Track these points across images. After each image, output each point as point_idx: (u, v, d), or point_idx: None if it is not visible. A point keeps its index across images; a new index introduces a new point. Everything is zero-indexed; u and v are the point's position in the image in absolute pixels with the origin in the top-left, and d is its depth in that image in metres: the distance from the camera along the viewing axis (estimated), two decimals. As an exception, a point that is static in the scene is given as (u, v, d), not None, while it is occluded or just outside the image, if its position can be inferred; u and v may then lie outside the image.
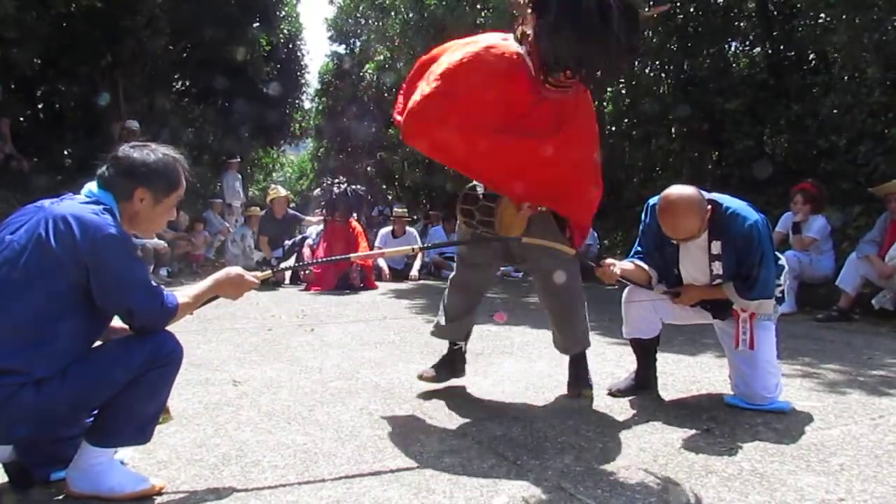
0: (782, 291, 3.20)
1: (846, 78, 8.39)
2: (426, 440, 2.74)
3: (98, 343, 2.18)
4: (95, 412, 2.13)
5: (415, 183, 16.46)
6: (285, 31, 16.63)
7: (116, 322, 2.23)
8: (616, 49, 2.61)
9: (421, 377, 3.48)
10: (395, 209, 10.89)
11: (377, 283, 8.86)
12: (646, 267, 3.20)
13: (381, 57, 15.11)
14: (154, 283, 2.15)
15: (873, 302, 5.79)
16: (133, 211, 2.19)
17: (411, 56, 12.97)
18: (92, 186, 2.17)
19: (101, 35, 11.18)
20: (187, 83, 15.72)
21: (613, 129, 11.73)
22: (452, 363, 3.55)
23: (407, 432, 2.84)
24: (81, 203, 2.09)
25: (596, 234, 9.42)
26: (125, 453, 2.41)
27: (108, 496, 2.12)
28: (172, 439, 2.73)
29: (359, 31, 19.42)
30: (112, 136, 10.61)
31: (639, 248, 3.28)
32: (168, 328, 2.18)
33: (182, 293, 2.26)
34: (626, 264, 3.17)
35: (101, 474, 2.12)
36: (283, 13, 16.49)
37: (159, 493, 2.21)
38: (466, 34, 3.14)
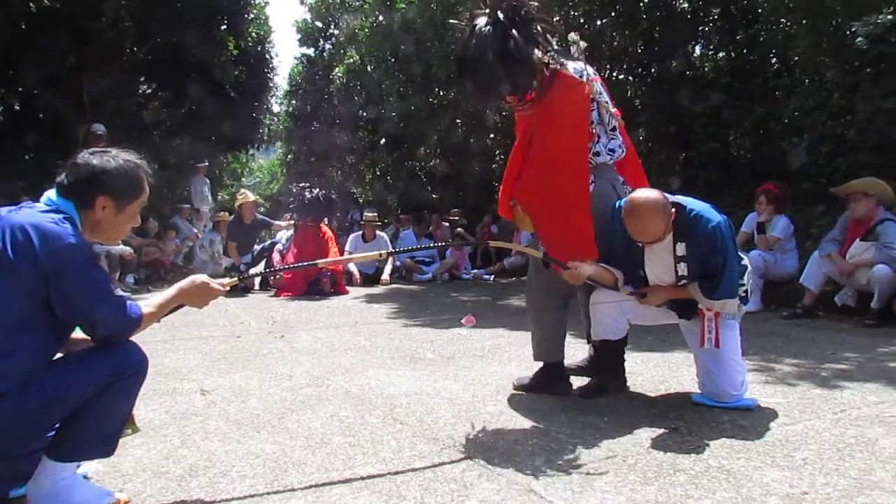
0: (746, 291, 3.25)
1: (807, 81, 8.57)
2: (397, 446, 2.73)
3: (59, 355, 2.13)
4: (57, 426, 2.08)
5: (378, 193, 16.51)
6: (254, 34, 16.47)
7: (78, 333, 2.18)
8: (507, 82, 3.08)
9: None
10: (366, 213, 10.87)
11: (348, 288, 8.82)
12: (612, 269, 3.24)
13: (351, 60, 15.08)
14: (118, 293, 2.11)
15: (836, 299, 5.91)
16: (95, 219, 2.14)
17: (381, 59, 13.00)
18: (51, 194, 2.11)
19: (66, 37, 11.00)
20: (154, 86, 15.51)
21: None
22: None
23: (378, 438, 2.83)
24: (40, 212, 2.03)
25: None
26: (89, 467, 2.37)
27: (72, 512, 2.07)
28: (138, 451, 2.69)
29: (328, 33, 19.39)
30: (77, 141, 10.44)
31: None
32: (133, 338, 2.14)
33: (146, 302, 2.21)
34: (592, 266, 3.20)
35: (64, 490, 2.06)
36: (252, 15, 16.33)
37: (125, 507, 2.17)
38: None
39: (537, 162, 3.23)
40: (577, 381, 3.60)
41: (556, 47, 3.24)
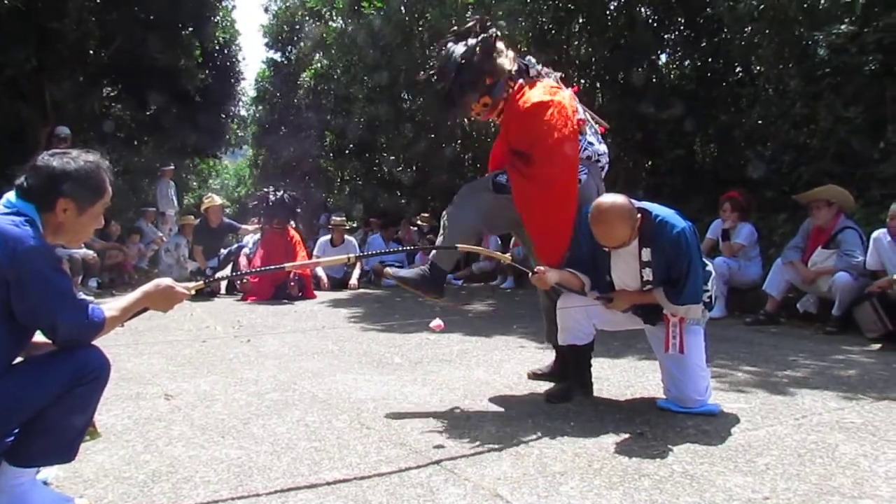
0: (710, 297, 3.29)
1: (771, 90, 8.72)
2: (363, 451, 2.72)
3: (19, 359, 2.09)
4: (16, 430, 2.03)
5: (345, 198, 16.42)
6: (220, 38, 16.27)
7: (39, 336, 2.14)
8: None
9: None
10: (334, 217, 10.81)
11: (316, 293, 8.76)
12: (579, 274, 3.27)
13: (319, 65, 15.00)
14: (80, 297, 2.07)
15: (798, 305, 6.03)
16: (57, 222, 2.10)
17: (349, 64, 12.94)
18: (11, 196, 2.07)
19: (27, 37, 10.77)
20: (118, 89, 15.24)
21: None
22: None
23: (344, 443, 2.81)
24: (0, 214, 1.99)
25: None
26: (49, 472, 2.33)
27: (30, 518, 2.03)
28: (100, 457, 2.64)
29: (295, 38, 19.27)
30: (38, 143, 10.23)
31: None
32: (96, 342, 2.10)
33: (109, 306, 2.18)
34: (559, 272, 3.23)
35: (22, 496, 2.02)
36: (218, 18, 16.13)
37: (85, 514, 2.13)
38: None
39: (525, 174, 3.42)
40: (543, 387, 3.63)
41: (536, 67, 3.59)
